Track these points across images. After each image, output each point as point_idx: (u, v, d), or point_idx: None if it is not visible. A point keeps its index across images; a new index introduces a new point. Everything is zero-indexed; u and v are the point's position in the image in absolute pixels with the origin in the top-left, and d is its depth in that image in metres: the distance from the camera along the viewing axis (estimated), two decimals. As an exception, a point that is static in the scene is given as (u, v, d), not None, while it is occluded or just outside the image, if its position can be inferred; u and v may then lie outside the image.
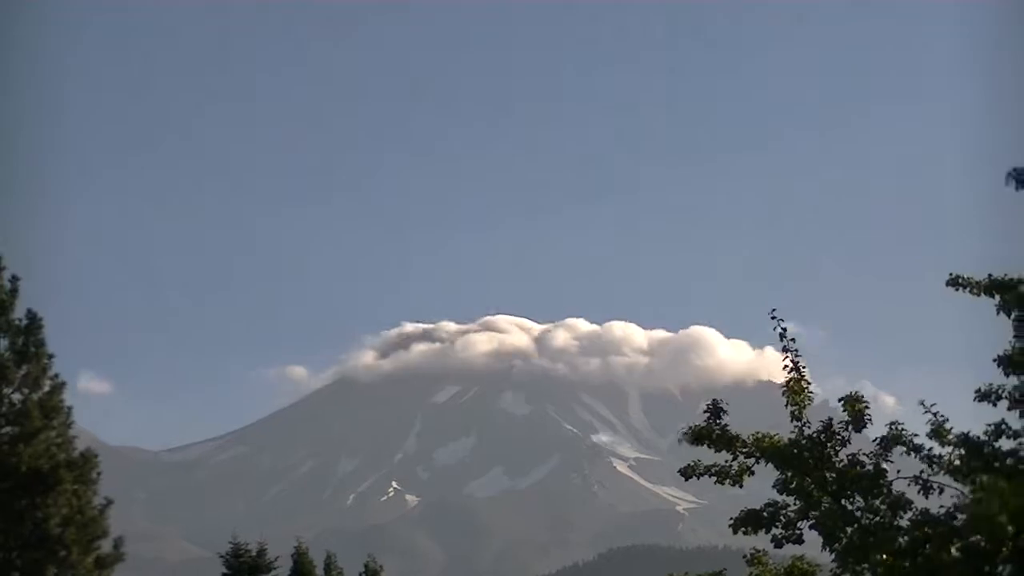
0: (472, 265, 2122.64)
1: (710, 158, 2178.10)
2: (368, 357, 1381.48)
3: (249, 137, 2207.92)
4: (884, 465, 24.48)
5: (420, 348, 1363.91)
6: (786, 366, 25.61)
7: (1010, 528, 20.96)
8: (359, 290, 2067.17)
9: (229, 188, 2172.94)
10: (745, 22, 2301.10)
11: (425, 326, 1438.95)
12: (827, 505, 24.34)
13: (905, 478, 24.29)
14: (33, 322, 44.17)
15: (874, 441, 24.72)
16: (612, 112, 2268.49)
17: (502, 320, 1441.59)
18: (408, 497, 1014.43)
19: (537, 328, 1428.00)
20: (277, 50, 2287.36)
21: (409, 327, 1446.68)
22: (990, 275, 24.66)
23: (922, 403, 24.68)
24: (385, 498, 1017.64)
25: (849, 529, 24.07)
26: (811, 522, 24.45)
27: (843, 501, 24.33)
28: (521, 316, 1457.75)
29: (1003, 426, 24.02)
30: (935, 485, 24.06)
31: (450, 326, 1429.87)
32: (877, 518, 24.10)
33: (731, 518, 25.05)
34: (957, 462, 23.87)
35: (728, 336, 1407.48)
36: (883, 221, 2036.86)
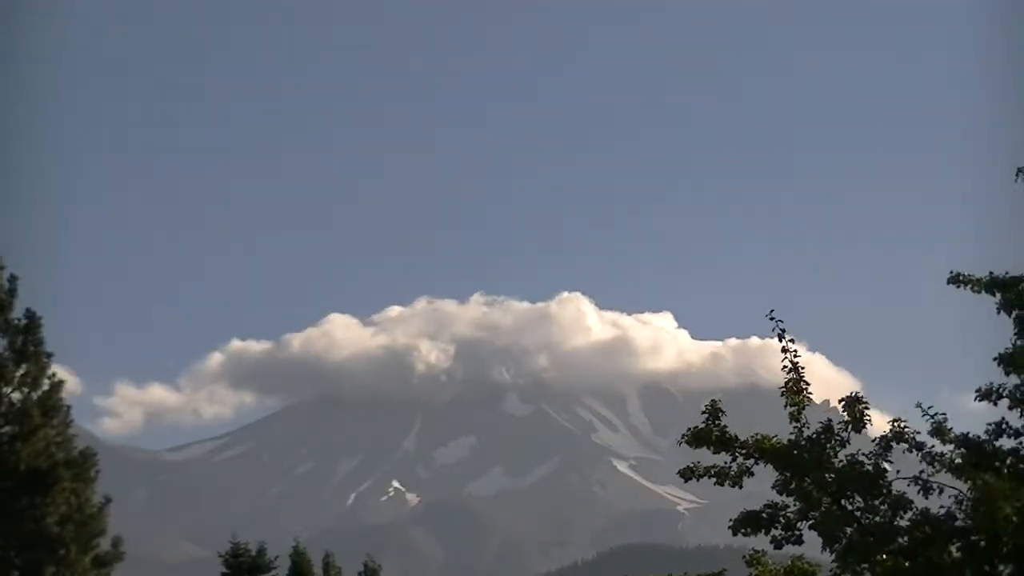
0: (472, 256, 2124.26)
1: (713, 160, 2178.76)
2: (368, 355, 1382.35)
3: (249, 138, 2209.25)
4: (884, 465, 24.42)
5: (420, 345, 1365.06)
6: (785, 367, 25.56)
7: (1013, 521, 20.95)
8: (359, 288, 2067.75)
9: (228, 186, 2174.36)
10: (743, 22, 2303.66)
11: (425, 322, 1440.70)
12: (827, 506, 24.28)
13: (905, 478, 24.24)
14: (32, 321, 44.14)
15: (874, 441, 24.67)
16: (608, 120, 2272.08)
17: (503, 315, 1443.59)
18: (408, 497, 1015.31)
19: (541, 323, 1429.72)
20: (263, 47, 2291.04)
21: (409, 323, 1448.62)
22: (991, 273, 24.63)
23: (919, 405, 24.66)
24: (385, 498, 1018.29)
25: (849, 529, 24.02)
26: (811, 523, 24.40)
27: (843, 501, 24.28)
28: (523, 308, 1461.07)
29: (1004, 425, 24.01)
30: (935, 485, 24.02)
31: (449, 320, 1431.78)
32: (877, 518, 24.05)
33: (730, 519, 25.00)
34: (958, 461, 23.84)
35: (728, 336, 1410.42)
36: (883, 219, 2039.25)
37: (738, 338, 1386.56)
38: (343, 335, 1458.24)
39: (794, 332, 25.67)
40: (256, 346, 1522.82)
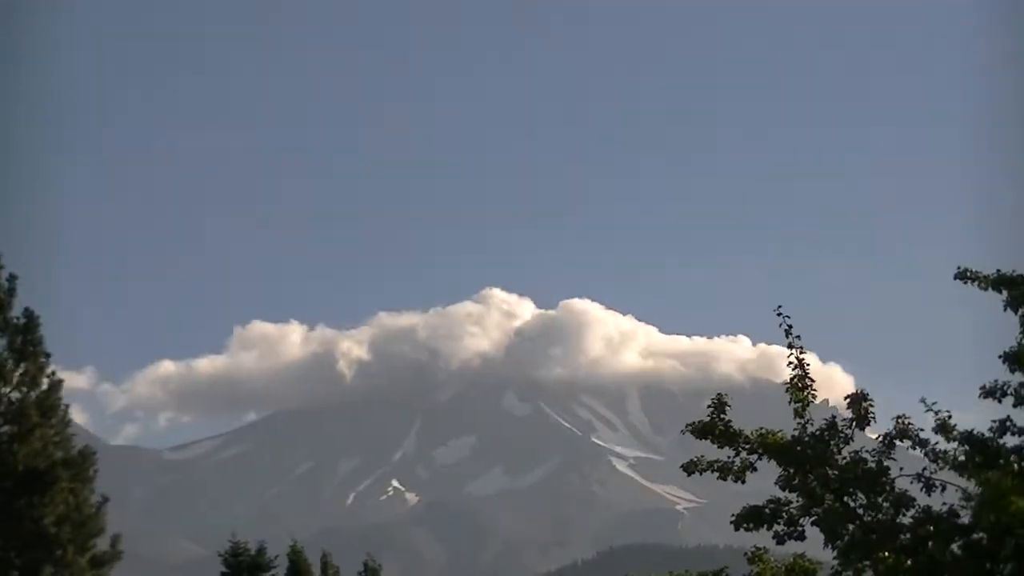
0: (473, 257, 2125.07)
1: (711, 159, 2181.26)
2: (368, 355, 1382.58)
3: (250, 136, 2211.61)
4: (887, 462, 24.34)
5: (421, 346, 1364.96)
6: (790, 363, 25.45)
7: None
8: (359, 287, 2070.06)
9: (228, 185, 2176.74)
10: (743, 22, 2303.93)
11: (426, 323, 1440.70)
12: (829, 502, 24.20)
13: (908, 476, 24.17)
14: (31, 320, 44.09)
15: (878, 438, 24.57)
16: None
17: (505, 316, 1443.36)
18: (408, 496, 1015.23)
19: (541, 325, 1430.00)
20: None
21: (410, 323, 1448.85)
22: (998, 270, 24.55)
23: (923, 400, 24.56)
24: (385, 497, 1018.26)
25: (851, 526, 23.94)
26: (813, 519, 24.33)
27: (845, 498, 24.20)
28: (525, 310, 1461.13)
29: (1008, 423, 23.92)
30: (937, 483, 23.94)
31: (452, 322, 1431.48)
32: (879, 515, 23.96)
33: (733, 514, 24.91)
34: (962, 458, 23.76)
35: (729, 335, 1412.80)
36: (890, 215, 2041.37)
37: (730, 336, 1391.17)
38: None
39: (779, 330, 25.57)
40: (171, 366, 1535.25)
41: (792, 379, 25.39)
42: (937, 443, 24.09)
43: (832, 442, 24.55)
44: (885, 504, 24.01)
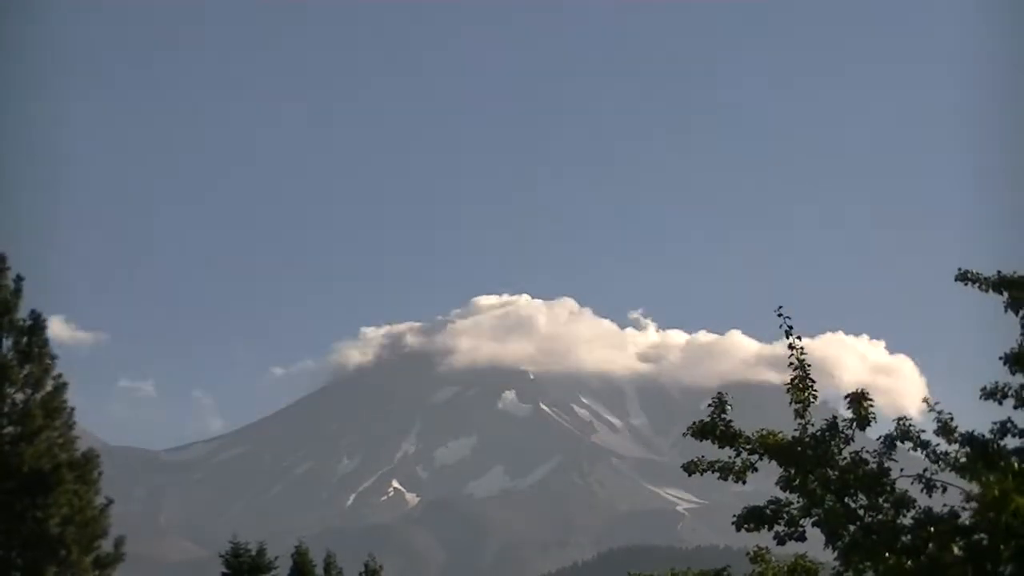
0: (474, 258, 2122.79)
1: (710, 157, 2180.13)
2: (368, 355, 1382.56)
3: (257, 133, 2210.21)
4: (887, 463, 24.36)
5: (420, 346, 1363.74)
6: (791, 363, 25.47)
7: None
8: (357, 286, 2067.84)
9: (231, 184, 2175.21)
10: (744, 23, 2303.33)
11: (426, 323, 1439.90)
12: (830, 503, 24.23)
13: (908, 476, 24.17)
14: (36, 322, 44.18)
15: (879, 439, 24.60)
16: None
17: (504, 316, 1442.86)
18: (408, 496, 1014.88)
19: (541, 325, 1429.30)
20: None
21: (409, 323, 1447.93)
22: (999, 271, 24.58)
23: (926, 400, 24.57)
24: (385, 498, 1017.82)
25: (852, 527, 23.98)
26: (814, 519, 24.37)
27: (846, 499, 24.23)
28: (524, 310, 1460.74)
29: (1009, 424, 23.96)
30: (938, 484, 23.98)
31: (451, 322, 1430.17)
32: (880, 516, 23.99)
33: (734, 515, 24.94)
34: (963, 459, 23.78)
35: (727, 334, 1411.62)
36: (891, 215, 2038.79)
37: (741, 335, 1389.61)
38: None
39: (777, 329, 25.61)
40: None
41: (793, 379, 25.43)
42: (938, 445, 24.13)
43: (832, 443, 24.58)
44: (886, 505, 24.02)
